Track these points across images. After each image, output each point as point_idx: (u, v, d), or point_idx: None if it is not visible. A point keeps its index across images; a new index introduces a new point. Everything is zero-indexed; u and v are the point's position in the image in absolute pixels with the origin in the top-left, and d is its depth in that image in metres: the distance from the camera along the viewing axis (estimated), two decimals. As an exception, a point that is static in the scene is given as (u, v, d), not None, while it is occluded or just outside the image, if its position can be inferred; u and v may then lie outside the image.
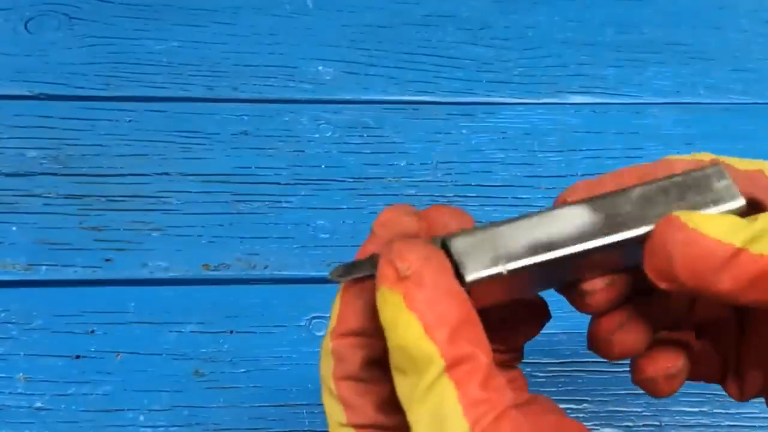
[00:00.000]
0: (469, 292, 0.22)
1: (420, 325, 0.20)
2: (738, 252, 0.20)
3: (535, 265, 0.22)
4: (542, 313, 0.27)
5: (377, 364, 0.23)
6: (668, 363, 0.25)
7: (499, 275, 0.22)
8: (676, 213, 0.22)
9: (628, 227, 0.23)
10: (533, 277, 0.23)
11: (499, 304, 0.24)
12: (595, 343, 0.25)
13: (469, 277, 0.22)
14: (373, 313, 0.23)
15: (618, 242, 0.23)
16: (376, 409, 0.23)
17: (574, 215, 0.23)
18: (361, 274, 0.23)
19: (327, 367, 0.23)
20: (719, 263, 0.20)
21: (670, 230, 0.21)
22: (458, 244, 0.22)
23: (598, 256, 0.23)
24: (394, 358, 0.21)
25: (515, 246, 0.22)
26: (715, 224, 0.21)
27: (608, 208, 0.23)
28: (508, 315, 0.26)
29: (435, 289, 0.20)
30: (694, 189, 0.23)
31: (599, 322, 0.25)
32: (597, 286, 0.24)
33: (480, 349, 0.20)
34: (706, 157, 0.25)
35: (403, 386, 0.21)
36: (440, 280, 0.21)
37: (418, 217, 0.24)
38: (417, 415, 0.20)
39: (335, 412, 0.23)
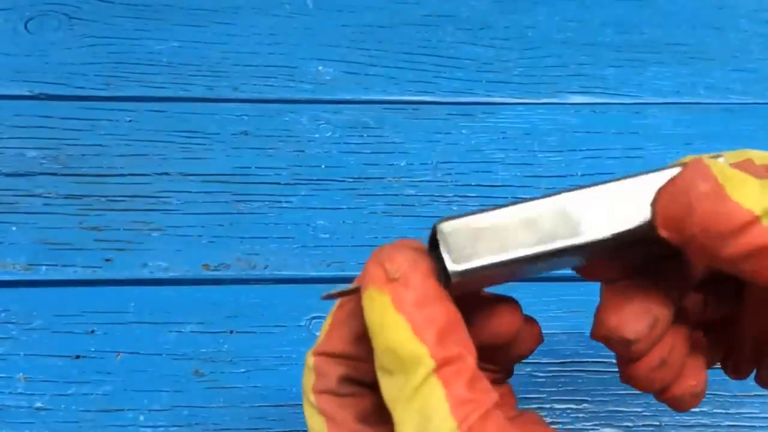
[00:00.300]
0: (451, 285, 0.22)
1: (408, 327, 0.20)
2: (755, 220, 0.19)
3: (520, 259, 0.22)
4: (535, 336, 0.27)
5: (355, 382, 0.23)
6: (694, 381, 0.25)
7: (483, 267, 0.22)
8: (707, 160, 0.21)
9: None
10: (522, 266, 0.23)
11: (484, 286, 0.24)
12: (633, 382, 0.25)
13: (452, 269, 0.22)
14: (357, 340, 0.23)
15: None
16: (356, 420, 0.23)
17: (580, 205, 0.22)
18: (353, 286, 0.23)
19: (308, 380, 0.24)
20: (735, 228, 0.20)
21: (697, 178, 0.20)
22: (446, 228, 0.22)
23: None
24: (381, 360, 0.21)
25: (503, 238, 0.22)
26: (742, 184, 0.20)
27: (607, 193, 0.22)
28: (502, 341, 0.26)
29: (423, 292, 0.21)
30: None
31: (638, 365, 0.24)
32: (640, 333, 0.23)
33: (467, 351, 0.20)
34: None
35: (389, 387, 0.21)
36: (428, 283, 0.21)
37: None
38: (403, 414, 0.20)
39: (316, 423, 0.23)
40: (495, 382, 0.27)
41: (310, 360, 0.24)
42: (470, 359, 0.20)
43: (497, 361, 0.26)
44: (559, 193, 0.22)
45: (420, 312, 0.20)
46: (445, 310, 0.21)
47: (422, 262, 0.21)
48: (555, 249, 0.22)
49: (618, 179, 0.22)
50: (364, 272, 0.22)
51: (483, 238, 0.22)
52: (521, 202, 0.23)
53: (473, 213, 0.22)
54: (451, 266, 0.22)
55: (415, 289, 0.21)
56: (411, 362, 0.20)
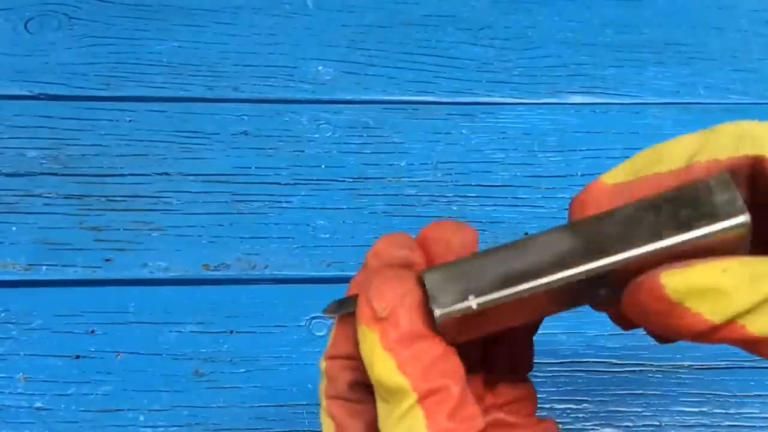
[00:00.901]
0: (441, 326, 0.22)
1: (394, 363, 0.21)
2: (718, 327, 0.20)
3: (509, 297, 0.22)
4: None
5: (364, 387, 0.24)
6: None
7: (469, 309, 0.22)
8: (663, 281, 0.20)
9: (609, 254, 0.21)
10: (513, 308, 0.22)
11: (486, 334, 0.24)
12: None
13: (438, 312, 0.22)
14: None
15: (597, 268, 0.21)
16: (366, 429, 0.24)
17: (553, 241, 0.22)
18: (350, 310, 0.24)
19: (321, 385, 0.25)
20: (698, 333, 0.20)
21: (649, 300, 0.21)
22: (432, 278, 0.23)
23: (580, 283, 0.22)
24: (375, 388, 0.22)
25: (488, 278, 0.22)
26: (704, 298, 0.20)
27: (590, 231, 0.22)
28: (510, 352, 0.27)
29: (408, 329, 0.22)
30: (691, 203, 0.21)
31: None
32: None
33: (452, 381, 0.21)
34: (729, 128, 0.22)
35: (381, 412, 0.22)
36: (414, 319, 0.22)
37: (409, 248, 0.24)
38: None
39: (327, 428, 0.24)
40: (514, 383, 0.27)
41: (322, 364, 0.25)
42: (455, 389, 0.21)
43: (512, 368, 0.27)
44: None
45: (405, 348, 0.21)
46: (430, 345, 0.22)
47: (410, 297, 0.22)
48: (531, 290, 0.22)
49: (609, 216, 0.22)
50: (357, 307, 0.23)
51: (468, 286, 0.22)
52: (504, 246, 0.22)
53: (462, 260, 0.23)
54: (438, 314, 0.22)
55: (400, 327, 0.22)
56: (397, 394, 0.21)
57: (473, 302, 0.22)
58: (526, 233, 0.23)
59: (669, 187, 0.22)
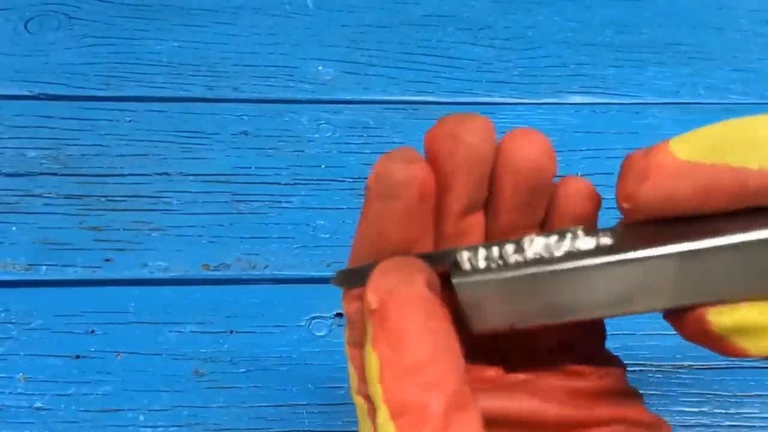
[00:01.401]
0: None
1: (378, 364, 0.19)
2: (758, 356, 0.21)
3: (551, 323, 0.22)
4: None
5: None
6: None
7: (506, 327, 0.22)
8: (709, 318, 0.21)
9: (662, 302, 0.21)
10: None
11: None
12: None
13: (477, 331, 0.22)
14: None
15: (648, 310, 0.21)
16: None
17: (606, 277, 0.20)
18: (355, 285, 0.23)
19: (346, 334, 0.23)
20: (746, 356, 0.21)
21: (698, 334, 0.21)
22: (466, 292, 0.21)
23: None
24: None
25: (530, 308, 0.21)
26: (745, 337, 0.21)
27: (648, 271, 0.20)
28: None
29: (397, 327, 0.19)
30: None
31: None
32: None
33: (435, 395, 0.18)
34: None
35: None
36: (406, 316, 0.19)
37: (409, 161, 0.21)
38: None
39: (352, 378, 0.22)
40: (608, 381, 0.25)
41: (344, 307, 0.22)
42: (435, 407, 0.18)
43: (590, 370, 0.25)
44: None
45: (389, 350, 0.19)
46: (419, 348, 0.19)
47: (404, 289, 0.19)
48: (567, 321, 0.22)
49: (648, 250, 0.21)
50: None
51: (509, 312, 0.21)
52: (540, 262, 0.21)
53: (498, 275, 0.21)
54: (475, 329, 0.22)
55: (388, 323, 0.19)
56: (376, 401, 0.19)
57: (514, 327, 0.21)
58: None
59: (755, 186, 0.19)
